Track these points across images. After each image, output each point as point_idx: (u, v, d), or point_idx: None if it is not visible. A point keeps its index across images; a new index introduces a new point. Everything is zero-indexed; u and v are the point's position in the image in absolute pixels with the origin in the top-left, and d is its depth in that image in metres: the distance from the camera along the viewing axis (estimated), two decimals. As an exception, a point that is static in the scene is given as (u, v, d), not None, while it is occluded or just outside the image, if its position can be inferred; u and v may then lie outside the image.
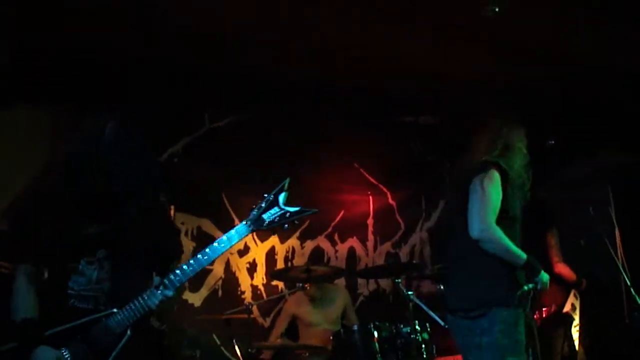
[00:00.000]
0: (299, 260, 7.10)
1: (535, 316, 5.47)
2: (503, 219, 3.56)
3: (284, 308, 6.40)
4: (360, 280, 7.48)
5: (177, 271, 2.95)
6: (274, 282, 6.96)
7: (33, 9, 5.08)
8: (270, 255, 7.11)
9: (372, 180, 7.82)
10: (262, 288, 6.92)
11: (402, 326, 5.07)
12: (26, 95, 5.48)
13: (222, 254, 3.04)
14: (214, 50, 5.94)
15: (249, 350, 5.00)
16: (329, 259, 7.34)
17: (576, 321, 6.04)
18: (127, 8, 5.16)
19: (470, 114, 4.00)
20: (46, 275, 3.10)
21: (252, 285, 6.87)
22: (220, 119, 6.83)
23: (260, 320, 6.78)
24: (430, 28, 5.82)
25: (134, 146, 3.16)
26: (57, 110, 5.26)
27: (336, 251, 7.49)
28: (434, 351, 5.14)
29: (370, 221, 7.77)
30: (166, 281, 2.93)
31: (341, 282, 7.06)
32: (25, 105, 3.72)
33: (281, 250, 7.18)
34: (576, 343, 6.01)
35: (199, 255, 2.97)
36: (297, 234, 7.27)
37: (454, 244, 3.77)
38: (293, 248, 7.25)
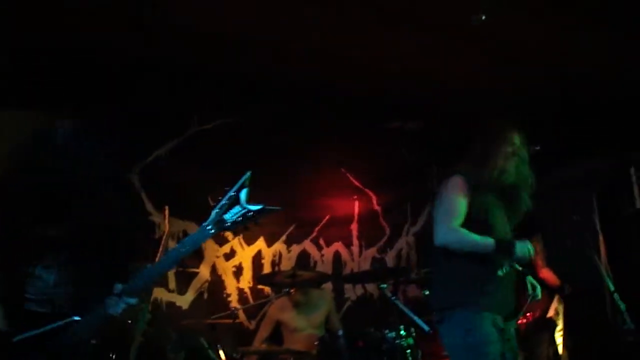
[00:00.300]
0: (286, 264, 7.12)
1: (520, 321, 5.51)
2: (471, 226, 3.59)
3: (268, 313, 6.39)
4: (347, 285, 7.49)
5: (138, 276, 2.84)
6: (260, 286, 6.97)
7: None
8: (257, 259, 7.12)
9: (357, 184, 7.83)
10: (248, 292, 6.92)
11: (387, 331, 5.08)
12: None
13: (186, 256, 2.88)
14: (204, 53, 5.93)
15: (234, 355, 4.98)
16: (315, 263, 7.36)
17: (559, 326, 6.09)
18: (117, 10, 5.14)
19: (458, 121, 4.00)
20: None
21: (238, 288, 6.87)
22: (209, 122, 6.82)
23: (246, 323, 6.78)
24: (419, 33, 5.85)
25: (89, 147, 3.08)
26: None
27: (322, 255, 7.50)
28: (419, 356, 5.15)
29: (354, 226, 7.78)
30: (127, 288, 2.81)
31: (328, 286, 7.07)
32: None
33: (268, 254, 7.18)
34: (559, 348, 6.06)
35: (161, 259, 2.90)
36: (284, 237, 7.29)
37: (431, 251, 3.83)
38: (280, 252, 7.26)
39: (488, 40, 5.93)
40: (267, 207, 2.82)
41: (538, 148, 3.73)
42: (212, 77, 6.31)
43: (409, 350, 5.04)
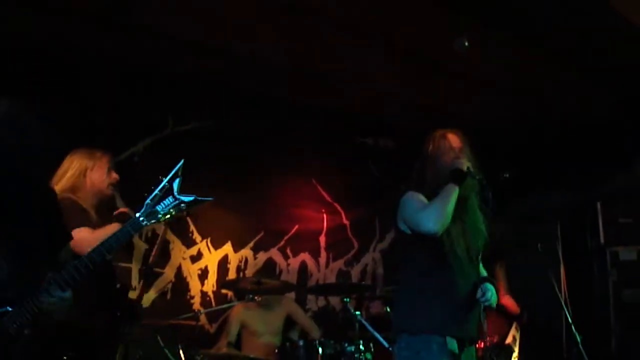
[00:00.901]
0: (251, 271, 7.12)
1: (478, 345, 5.55)
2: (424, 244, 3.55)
3: (233, 313, 6.37)
4: (310, 296, 7.52)
5: (69, 268, 2.77)
6: (224, 290, 6.96)
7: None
8: (223, 263, 7.11)
9: (327, 198, 7.87)
10: (211, 295, 6.91)
11: (346, 345, 5.12)
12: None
13: (118, 248, 2.84)
14: (181, 55, 5.99)
15: (196, 357, 4.97)
16: (280, 271, 7.36)
17: (515, 353, 6.16)
18: (95, 7, 5.16)
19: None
20: None
21: (202, 291, 6.85)
22: (184, 124, 6.83)
23: (207, 326, 6.76)
24: (393, 56, 5.94)
25: (26, 128, 2.97)
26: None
27: (288, 264, 7.51)
28: (376, 372, 5.20)
29: (322, 238, 7.82)
30: (57, 279, 2.75)
31: (291, 296, 7.09)
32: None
33: (234, 259, 7.18)
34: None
35: (91, 252, 2.79)
36: (252, 244, 7.29)
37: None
38: (246, 258, 7.26)
39: (460, 67, 6.05)
40: (199, 198, 2.78)
41: (507, 175, 3.76)
42: (188, 81, 6.36)
43: (365, 365, 5.10)
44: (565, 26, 5.32)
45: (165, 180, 2.76)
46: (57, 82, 5.83)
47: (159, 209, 2.75)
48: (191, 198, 2.75)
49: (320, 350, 5.04)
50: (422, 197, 3.60)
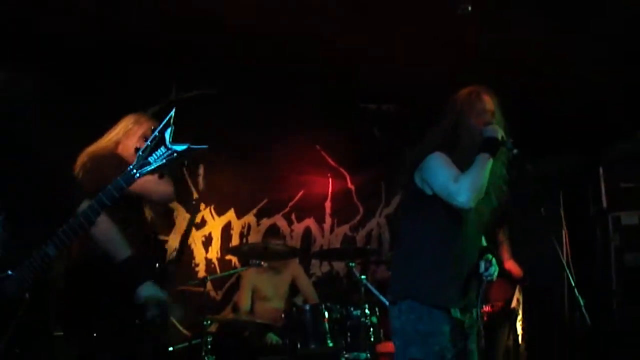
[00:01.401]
0: (254, 237, 7.18)
1: (484, 309, 5.61)
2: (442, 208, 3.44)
3: (244, 280, 6.43)
4: (313, 261, 7.58)
5: (64, 227, 2.74)
6: (228, 257, 7.02)
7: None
8: (226, 230, 7.16)
9: (332, 163, 7.91)
10: (216, 262, 6.98)
11: (352, 309, 5.14)
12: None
13: (111, 202, 2.73)
14: (184, 24, 5.96)
15: (204, 323, 5.03)
16: (284, 237, 7.42)
17: (520, 316, 6.22)
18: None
19: (431, 107, 3.91)
20: None
21: (206, 258, 6.92)
22: (188, 91, 6.83)
23: (212, 293, 6.84)
24: (397, 22, 5.92)
25: (22, 100, 2.96)
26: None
27: (292, 230, 7.57)
28: (382, 335, 5.23)
29: (327, 203, 7.86)
30: (54, 239, 2.74)
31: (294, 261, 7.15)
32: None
33: (237, 226, 7.24)
34: (519, 338, 6.18)
35: (86, 209, 2.75)
36: (255, 211, 7.34)
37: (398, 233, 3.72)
38: (249, 224, 7.32)
39: (462, 33, 6.04)
40: (193, 147, 2.66)
41: (516, 151, 3.61)
42: (191, 49, 6.34)
43: (372, 329, 5.13)
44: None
45: (156, 131, 2.64)
46: (59, 52, 5.84)
47: (151, 160, 2.64)
48: (184, 147, 2.63)
49: (326, 314, 5.07)
50: (450, 161, 3.42)
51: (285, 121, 7.21)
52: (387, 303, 5.09)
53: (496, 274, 3.53)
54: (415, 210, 3.57)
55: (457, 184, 3.32)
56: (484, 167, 3.36)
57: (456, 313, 3.44)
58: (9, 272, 2.76)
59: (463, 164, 3.41)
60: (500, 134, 3.44)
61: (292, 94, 7.14)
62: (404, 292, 3.45)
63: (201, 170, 6.95)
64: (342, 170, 7.97)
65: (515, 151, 3.47)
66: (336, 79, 7.07)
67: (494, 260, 3.54)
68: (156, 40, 6.19)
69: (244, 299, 6.29)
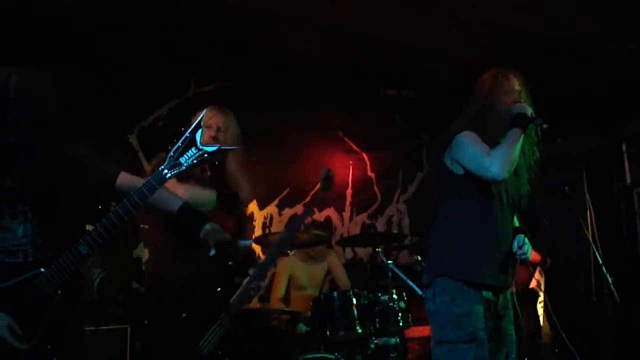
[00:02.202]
0: (277, 228, 7.18)
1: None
2: (473, 183, 3.48)
3: (280, 269, 6.43)
4: (337, 249, 7.55)
5: (97, 227, 2.79)
6: (252, 248, 7.04)
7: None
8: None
9: (355, 148, 7.91)
10: (239, 254, 6.99)
11: (380, 294, 5.12)
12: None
13: (143, 203, 2.80)
14: (202, 16, 5.97)
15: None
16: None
17: (541, 297, 6.21)
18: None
19: (451, 93, 3.92)
20: None
21: (230, 249, 6.92)
22: (206, 85, 6.84)
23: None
24: (416, 6, 5.91)
25: (42, 98, 2.98)
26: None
27: (313, 220, 7.57)
28: (410, 320, 5.22)
29: (349, 192, 7.87)
30: (87, 238, 2.79)
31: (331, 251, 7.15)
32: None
33: (259, 216, 7.24)
34: (541, 319, 6.18)
35: (117, 208, 2.79)
36: (276, 201, 7.34)
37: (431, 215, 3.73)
38: (271, 215, 7.32)
39: (482, 16, 6.01)
40: (223, 147, 2.74)
41: (546, 126, 3.62)
42: (209, 42, 6.35)
43: (400, 314, 5.12)
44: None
45: (187, 132, 2.70)
46: (79, 49, 5.87)
47: (182, 161, 2.70)
48: (214, 148, 2.70)
49: (354, 300, 5.04)
50: (480, 139, 3.46)
51: (305, 109, 7.21)
52: (416, 288, 5.15)
53: (530, 253, 3.57)
54: (447, 191, 3.62)
55: (490, 156, 3.37)
56: (516, 141, 3.41)
57: (488, 293, 3.48)
58: (42, 269, 2.81)
59: (493, 145, 3.45)
60: (529, 110, 3.49)
61: (311, 82, 7.14)
62: (438, 270, 3.50)
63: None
64: (363, 155, 7.97)
65: (545, 125, 3.50)
66: (356, 65, 7.07)
67: (527, 239, 3.57)
68: (173, 35, 6.21)
69: (280, 288, 6.29)
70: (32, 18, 5.58)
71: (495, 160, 3.35)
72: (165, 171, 2.74)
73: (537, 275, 6.31)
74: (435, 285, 3.48)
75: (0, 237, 2.89)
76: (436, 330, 3.48)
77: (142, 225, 5.18)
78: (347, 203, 7.84)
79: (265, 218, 7.28)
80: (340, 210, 7.80)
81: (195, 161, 2.70)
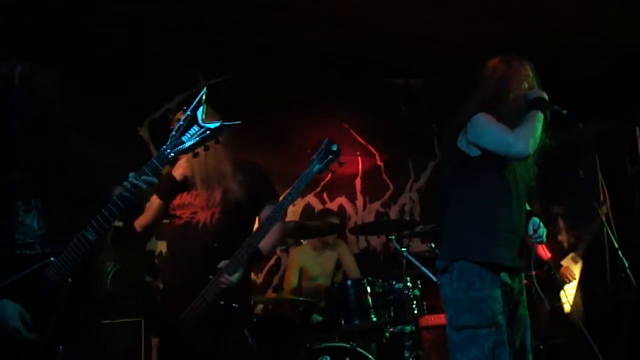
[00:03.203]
0: (289, 218, 7.17)
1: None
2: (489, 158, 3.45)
3: (290, 260, 6.46)
4: (350, 238, 7.56)
5: (102, 212, 2.78)
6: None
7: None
8: (261, 212, 7.16)
9: (361, 140, 7.87)
10: (253, 245, 6.97)
11: (394, 282, 5.09)
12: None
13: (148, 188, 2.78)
14: (210, 9, 5.96)
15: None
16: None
17: (572, 284, 6.17)
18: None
19: (459, 81, 3.89)
20: None
21: (243, 243, 6.90)
22: (214, 77, 6.83)
23: (252, 276, 6.84)
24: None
25: (48, 89, 2.97)
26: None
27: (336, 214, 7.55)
28: (425, 308, 5.21)
29: (358, 181, 7.85)
30: (93, 224, 2.78)
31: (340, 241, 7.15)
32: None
33: (272, 207, 7.22)
34: (566, 306, 6.13)
35: (122, 191, 2.76)
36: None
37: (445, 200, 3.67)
38: (281, 207, 7.30)
39: (491, 3, 5.97)
40: (226, 123, 2.69)
41: (565, 112, 3.61)
42: (216, 35, 6.33)
43: (415, 302, 5.10)
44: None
45: (188, 110, 2.67)
46: (87, 43, 5.86)
47: (184, 139, 2.65)
48: (217, 124, 2.65)
49: (368, 289, 5.03)
50: (495, 120, 3.43)
51: (312, 101, 7.18)
52: (431, 275, 5.11)
53: (545, 235, 3.58)
54: (460, 174, 3.57)
55: (514, 133, 3.35)
56: (537, 120, 3.39)
57: (506, 277, 3.45)
58: (51, 258, 2.83)
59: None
60: (545, 95, 3.48)
61: (318, 75, 7.12)
62: (455, 253, 3.45)
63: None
64: (370, 147, 7.94)
65: (564, 112, 3.50)
66: (362, 55, 7.03)
67: (542, 223, 3.57)
68: (180, 28, 6.20)
69: (292, 279, 6.30)
70: (43, 13, 5.57)
71: (520, 137, 3.33)
72: (168, 150, 2.68)
73: (567, 262, 6.26)
74: (452, 269, 3.43)
75: (19, 232, 2.90)
76: (453, 317, 3.42)
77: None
78: (358, 192, 7.81)
79: (275, 210, 7.25)
80: (352, 199, 7.78)
81: (198, 138, 2.65)
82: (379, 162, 8.00)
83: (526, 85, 3.57)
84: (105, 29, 5.92)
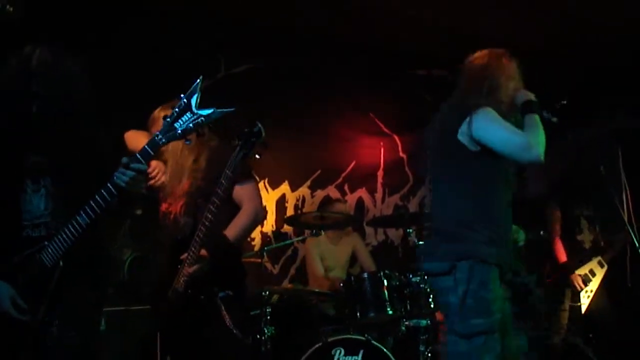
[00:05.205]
0: (309, 209, 7.19)
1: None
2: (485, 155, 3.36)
3: (309, 249, 6.42)
4: (368, 231, 7.57)
5: (95, 197, 2.80)
6: (284, 229, 7.04)
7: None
8: (281, 203, 7.18)
9: (385, 130, 7.87)
10: (271, 235, 7.00)
11: (411, 276, 5.07)
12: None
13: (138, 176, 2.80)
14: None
15: (262, 293, 5.04)
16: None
17: (590, 287, 6.11)
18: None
19: None
20: None
21: (261, 232, 6.94)
22: (236, 66, 6.82)
23: (269, 266, 6.88)
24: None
25: (67, 71, 3.01)
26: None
27: (345, 201, 7.55)
28: (441, 302, 5.19)
29: (380, 173, 7.84)
30: (86, 207, 2.80)
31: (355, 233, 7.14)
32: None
33: (292, 198, 7.25)
34: (583, 307, 6.07)
35: (114, 177, 2.77)
36: (308, 182, 7.34)
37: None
38: (303, 197, 7.33)
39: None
40: (218, 110, 2.68)
41: (564, 102, 3.57)
42: (238, 22, 6.33)
43: (431, 296, 5.03)
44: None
45: (183, 98, 2.67)
46: (110, 33, 5.89)
47: (177, 126, 2.68)
48: (210, 111, 2.66)
49: (385, 282, 5.02)
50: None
51: (336, 90, 7.17)
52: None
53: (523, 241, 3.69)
54: (460, 169, 3.44)
55: (525, 137, 3.28)
56: (539, 124, 3.33)
57: (509, 275, 3.43)
58: (45, 242, 2.87)
59: None
60: (533, 97, 3.43)
61: (342, 65, 7.09)
62: (461, 253, 3.31)
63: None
64: (395, 137, 7.91)
65: (554, 119, 3.43)
66: (388, 45, 7.01)
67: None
68: (202, 16, 6.19)
69: (317, 268, 6.27)
70: (64, 2, 5.60)
71: (534, 142, 3.26)
72: (160, 136, 2.73)
73: (592, 264, 6.19)
74: (457, 271, 3.28)
75: (25, 210, 2.95)
76: (460, 323, 3.27)
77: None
78: (379, 184, 7.79)
79: (297, 200, 7.29)
80: (372, 191, 7.76)
81: (190, 125, 2.66)
82: (401, 154, 7.97)
83: (515, 85, 3.52)
84: (127, 18, 5.96)
